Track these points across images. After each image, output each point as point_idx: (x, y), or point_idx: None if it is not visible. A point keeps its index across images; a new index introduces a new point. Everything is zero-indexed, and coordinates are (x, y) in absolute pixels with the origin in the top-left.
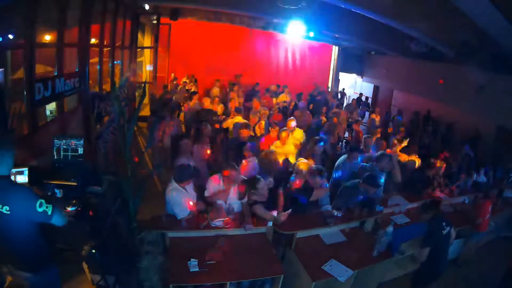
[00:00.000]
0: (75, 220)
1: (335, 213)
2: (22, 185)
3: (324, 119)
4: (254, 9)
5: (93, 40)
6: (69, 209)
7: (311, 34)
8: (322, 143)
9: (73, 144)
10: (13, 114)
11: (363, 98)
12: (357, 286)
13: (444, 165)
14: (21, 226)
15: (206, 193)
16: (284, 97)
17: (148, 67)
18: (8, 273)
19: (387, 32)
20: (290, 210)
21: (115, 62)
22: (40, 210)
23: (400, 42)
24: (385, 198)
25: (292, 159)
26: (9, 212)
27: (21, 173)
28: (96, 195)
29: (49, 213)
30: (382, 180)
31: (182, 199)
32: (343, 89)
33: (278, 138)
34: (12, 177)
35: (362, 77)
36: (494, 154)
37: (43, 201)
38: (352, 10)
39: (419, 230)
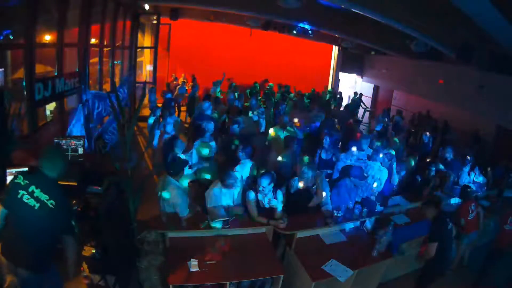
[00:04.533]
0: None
1: (335, 213)
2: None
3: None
4: (254, 9)
5: (93, 40)
6: None
7: (311, 34)
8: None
9: (73, 144)
10: (13, 114)
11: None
12: (357, 286)
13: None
14: (52, 223)
15: (209, 204)
16: None
17: (148, 67)
18: (8, 272)
19: (387, 32)
20: (286, 222)
21: (115, 62)
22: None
23: (400, 42)
24: (385, 198)
25: None
26: (53, 206)
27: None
28: (96, 195)
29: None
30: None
31: (184, 196)
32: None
33: None
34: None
35: (362, 77)
36: (494, 154)
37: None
38: (352, 10)
39: (419, 230)
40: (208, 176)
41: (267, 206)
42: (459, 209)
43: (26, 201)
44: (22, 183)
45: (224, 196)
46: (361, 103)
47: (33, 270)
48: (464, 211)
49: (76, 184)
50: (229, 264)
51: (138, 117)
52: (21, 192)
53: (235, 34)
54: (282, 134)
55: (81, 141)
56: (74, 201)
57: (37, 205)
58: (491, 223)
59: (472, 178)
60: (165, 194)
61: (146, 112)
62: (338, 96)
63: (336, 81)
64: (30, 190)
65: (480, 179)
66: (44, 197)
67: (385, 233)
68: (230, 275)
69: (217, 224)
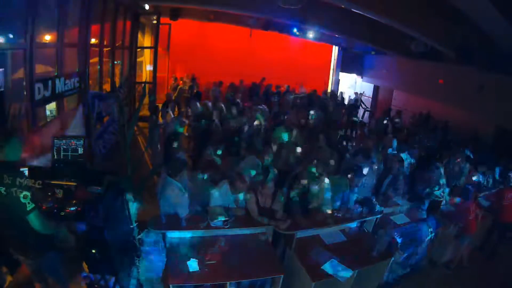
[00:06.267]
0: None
1: (335, 213)
2: (20, 171)
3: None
4: (254, 9)
5: (93, 40)
6: (69, 209)
7: (311, 34)
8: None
9: (73, 144)
10: (13, 114)
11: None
12: (357, 286)
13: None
14: (14, 209)
15: (211, 203)
16: None
17: (148, 67)
18: (18, 261)
19: (387, 32)
20: (289, 221)
21: (115, 62)
22: (22, 201)
23: (400, 42)
24: (385, 198)
25: None
26: (5, 193)
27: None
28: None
29: (27, 209)
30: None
31: (183, 197)
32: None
33: None
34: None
35: (362, 77)
36: (494, 154)
37: (28, 194)
38: (352, 10)
39: (419, 230)
40: None
41: (266, 206)
42: (463, 209)
43: None
44: None
45: (228, 197)
46: (361, 103)
47: (30, 257)
48: (467, 211)
49: (76, 184)
50: (229, 264)
51: (138, 117)
52: None
53: (235, 34)
54: (286, 135)
55: (81, 141)
56: (74, 201)
57: None
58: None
59: (473, 178)
60: (165, 194)
61: (146, 112)
62: (339, 96)
63: (336, 81)
64: None
65: (480, 179)
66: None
67: (385, 233)
68: (230, 275)
69: (217, 224)
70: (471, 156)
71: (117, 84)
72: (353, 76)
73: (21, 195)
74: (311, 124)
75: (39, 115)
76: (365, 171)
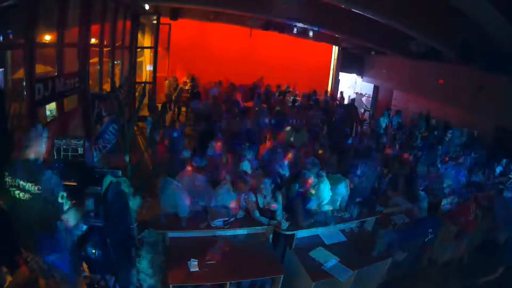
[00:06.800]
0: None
1: (335, 213)
2: (51, 170)
3: None
4: (254, 9)
5: (93, 40)
6: None
7: (311, 34)
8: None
9: (73, 144)
10: (13, 114)
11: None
12: (357, 286)
13: None
14: (45, 207)
15: (213, 203)
16: None
17: (148, 67)
18: (29, 261)
19: (387, 32)
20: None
21: (115, 62)
22: (60, 200)
23: (400, 42)
24: (385, 198)
25: None
26: (40, 192)
27: None
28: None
29: (65, 208)
30: None
31: (183, 197)
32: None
33: None
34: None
35: (362, 77)
36: (494, 154)
37: (64, 194)
38: (352, 10)
39: (420, 231)
40: None
41: (266, 206)
42: (460, 209)
43: (17, 196)
44: (9, 180)
45: (229, 197)
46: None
47: (47, 255)
48: (467, 211)
49: (76, 184)
50: (229, 264)
51: (138, 117)
52: (12, 189)
53: (235, 34)
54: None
55: (81, 141)
56: (74, 201)
57: (27, 195)
58: (490, 222)
59: (472, 178)
60: (165, 194)
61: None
62: (340, 96)
63: (336, 81)
64: (17, 183)
65: (480, 178)
66: (29, 185)
67: (385, 233)
68: (230, 275)
69: (217, 224)
70: (473, 157)
71: (117, 84)
72: (353, 76)
73: (59, 196)
74: (312, 124)
75: (39, 115)
76: (365, 171)
